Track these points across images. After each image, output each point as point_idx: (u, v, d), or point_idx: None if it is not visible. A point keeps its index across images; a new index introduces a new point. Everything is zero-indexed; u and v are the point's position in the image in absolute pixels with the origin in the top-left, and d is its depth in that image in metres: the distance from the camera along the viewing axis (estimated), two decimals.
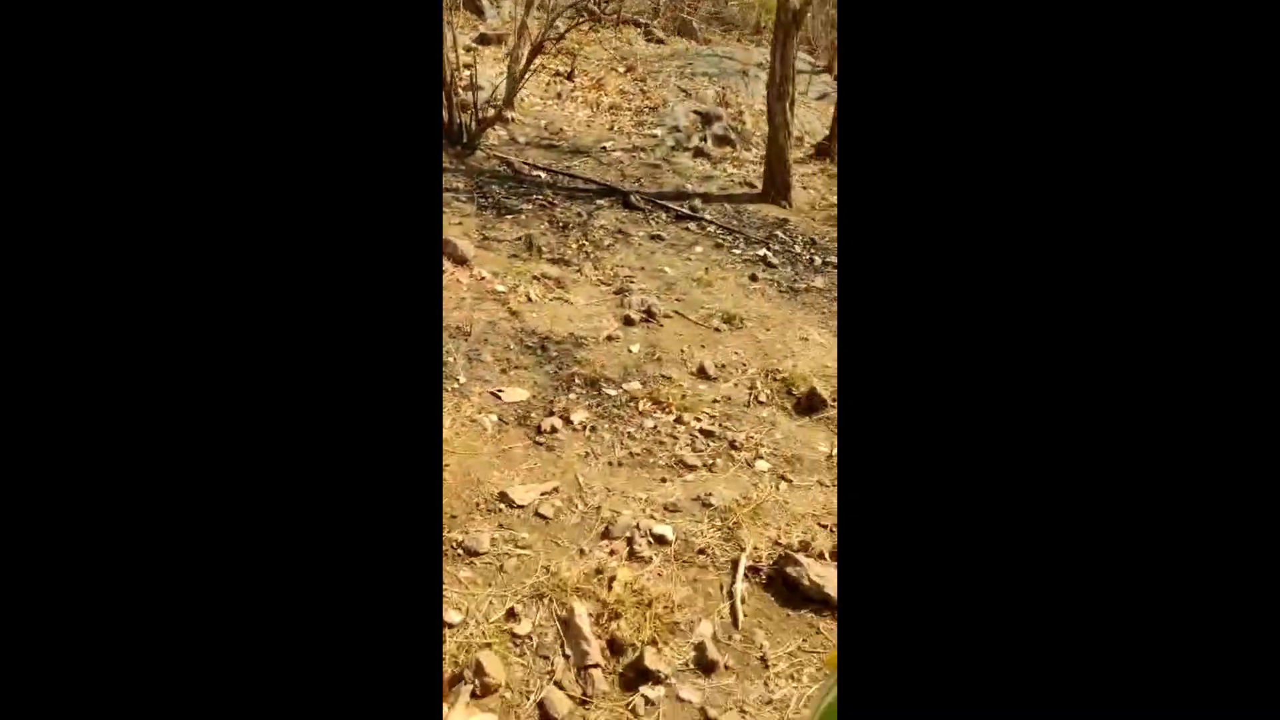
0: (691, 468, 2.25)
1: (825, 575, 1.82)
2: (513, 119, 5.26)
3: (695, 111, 5.96)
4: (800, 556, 1.86)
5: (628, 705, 1.51)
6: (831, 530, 2.05)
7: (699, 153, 5.56)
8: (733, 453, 2.36)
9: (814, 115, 6.84)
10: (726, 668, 1.61)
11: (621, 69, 6.59)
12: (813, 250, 4.29)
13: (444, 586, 1.74)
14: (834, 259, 4.20)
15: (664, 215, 4.39)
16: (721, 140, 5.84)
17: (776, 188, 4.83)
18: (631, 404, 2.53)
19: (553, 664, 1.56)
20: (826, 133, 6.18)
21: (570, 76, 6.21)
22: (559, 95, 5.96)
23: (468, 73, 5.02)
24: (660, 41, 7.72)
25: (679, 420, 2.46)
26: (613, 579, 1.76)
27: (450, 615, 1.62)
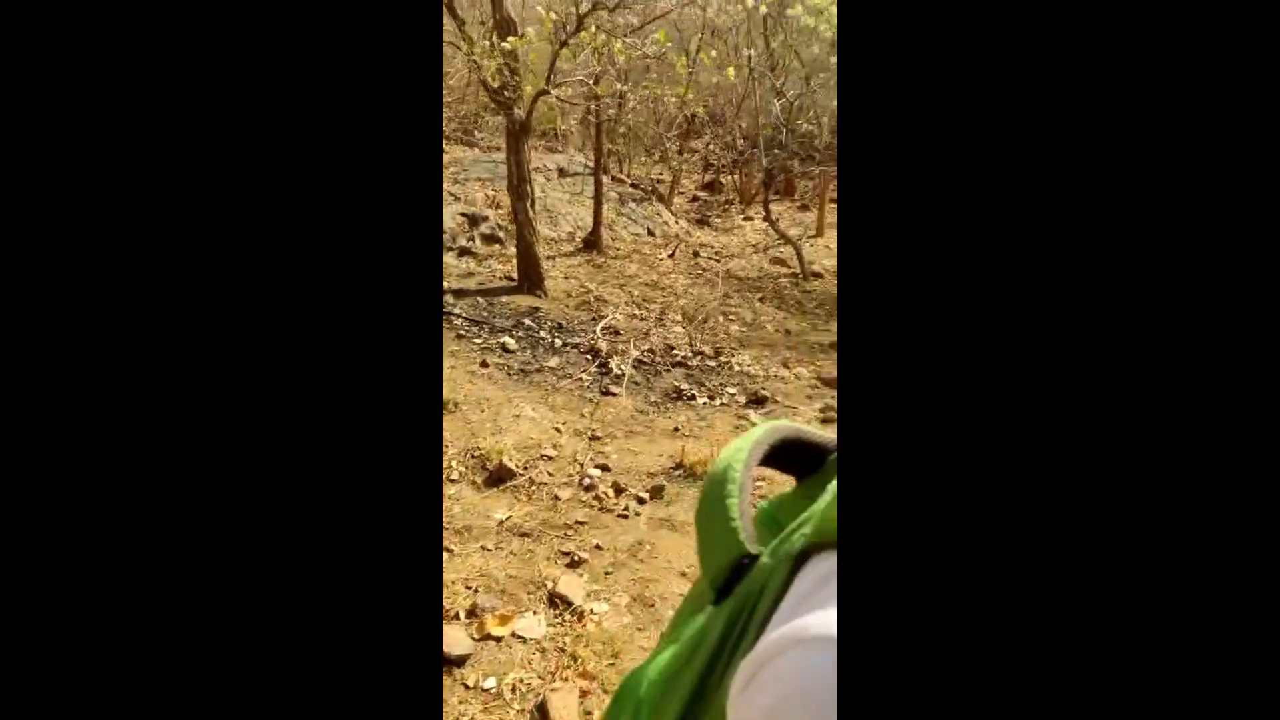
0: None
1: (445, 635, 1.89)
2: None
3: (462, 214, 6.22)
4: None
5: None
6: (476, 590, 2.13)
7: (464, 252, 5.79)
8: None
9: (587, 211, 7.32)
10: None
11: None
12: (556, 333, 4.54)
13: None
14: (576, 339, 4.46)
15: None
16: (489, 239, 6.12)
17: (530, 279, 5.10)
18: None
19: None
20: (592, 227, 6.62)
21: None
22: None
23: None
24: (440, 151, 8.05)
25: None
26: None
27: None
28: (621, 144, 9.45)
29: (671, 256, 7.54)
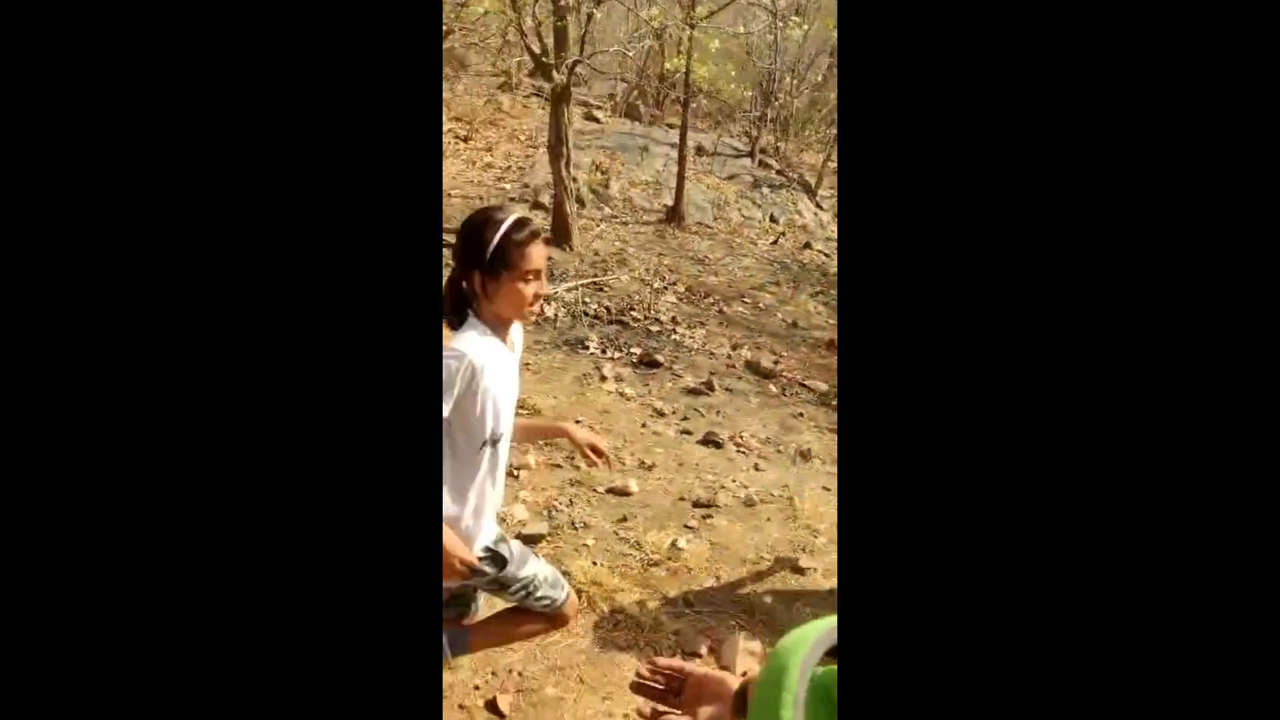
0: None
1: None
2: None
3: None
4: None
5: None
6: None
7: (536, 204, 6.45)
8: None
9: (697, 187, 7.52)
10: None
11: (522, 138, 7.69)
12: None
13: None
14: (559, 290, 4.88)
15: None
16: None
17: (558, 233, 5.61)
18: None
19: None
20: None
21: (466, 139, 7.39)
22: (447, 154, 7.12)
23: None
24: (595, 120, 8.77)
25: None
26: None
27: None
28: (774, 129, 9.36)
29: (775, 243, 7.44)
